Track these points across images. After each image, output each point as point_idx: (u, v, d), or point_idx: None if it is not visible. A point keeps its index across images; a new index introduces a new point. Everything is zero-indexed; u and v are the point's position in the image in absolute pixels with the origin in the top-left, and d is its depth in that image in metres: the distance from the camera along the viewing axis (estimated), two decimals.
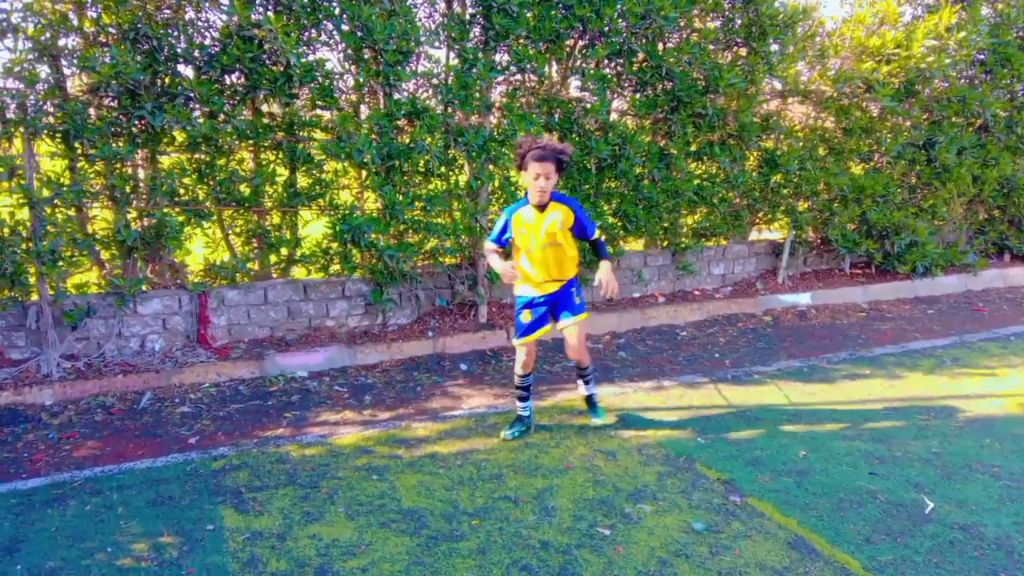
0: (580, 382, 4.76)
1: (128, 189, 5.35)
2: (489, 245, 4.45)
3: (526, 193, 4.29)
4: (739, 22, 7.18)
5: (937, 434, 4.63)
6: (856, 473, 4.09)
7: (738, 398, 5.23)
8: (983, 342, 6.71)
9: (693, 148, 7.33)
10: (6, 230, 4.96)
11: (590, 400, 4.77)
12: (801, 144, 7.87)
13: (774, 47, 7.28)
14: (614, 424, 4.74)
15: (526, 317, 4.43)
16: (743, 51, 7.35)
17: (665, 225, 7.45)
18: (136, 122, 5.25)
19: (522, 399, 4.61)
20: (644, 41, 6.73)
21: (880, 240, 8.43)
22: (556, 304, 4.44)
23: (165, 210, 5.41)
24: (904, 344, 6.61)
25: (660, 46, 6.93)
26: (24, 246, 5.02)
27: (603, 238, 4.43)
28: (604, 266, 4.32)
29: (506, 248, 4.44)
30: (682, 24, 7.06)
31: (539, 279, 4.37)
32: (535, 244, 4.28)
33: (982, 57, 8.53)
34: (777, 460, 4.24)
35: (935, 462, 4.23)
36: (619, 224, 7.10)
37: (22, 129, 4.89)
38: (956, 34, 7.68)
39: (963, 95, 8.16)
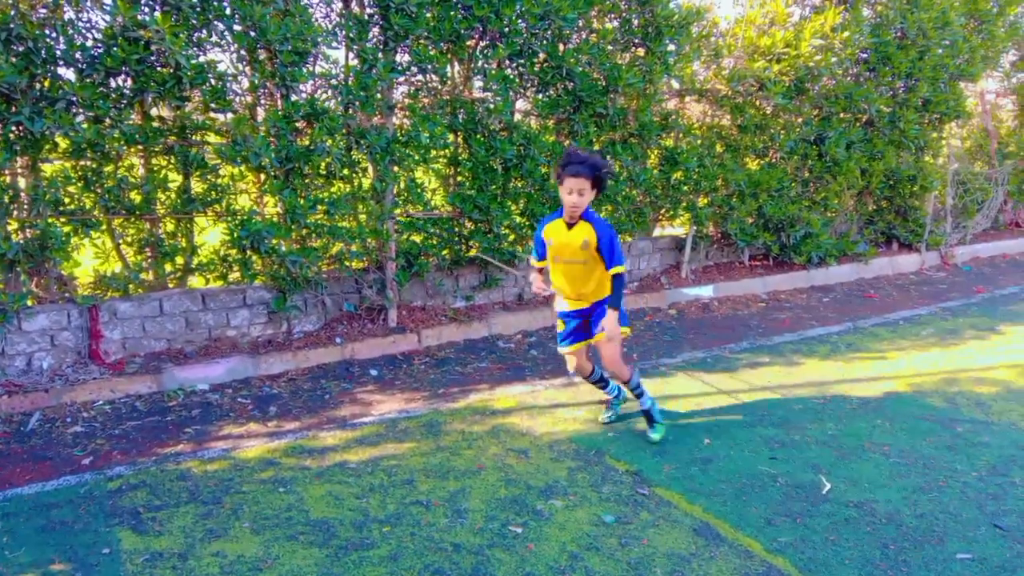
0: (634, 397, 4.66)
1: (7, 199, 5.03)
2: (532, 262, 4.49)
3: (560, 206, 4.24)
4: (636, 23, 7.32)
5: (833, 417, 4.83)
6: (758, 458, 4.22)
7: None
8: (874, 327, 7.05)
9: (596, 147, 7.43)
10: None
11: (646, 416, 4.59)
12: (699, 142, 8.09)
13: (671, 47, 7.45)
14: (526, 422, 4.75)
15: (560, 326, 4.53)
16: (641, 51, 7.50)
17: None
18: (13, 128, 4.95)
19: (603, 388, 4.77)
20: (545, 42, 6.78)
21: (776, 233, 8.74)
22: (590, 318, 4.43)
23: (49, 220, 5.12)
24: (801, 332, 6.88)
25: (561, 47, 6.99)
26: None
27: (624, 275, 4.26)
28: (608, 316, 4.23)
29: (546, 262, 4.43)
30: (581, 25, 7.14)
31: (569, 294, 4.42)
32: (560, 260, 4.30)
33: (865, 56, 8.95)
34: (682, 449, 4.34)
35: (831, 444, 4.42)
36: (527, 224, 7.13)
37: None
38: (841, 34, 8.05)
39: (849, 92, 8.55)
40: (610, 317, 4.23)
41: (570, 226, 4.16)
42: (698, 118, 8.40)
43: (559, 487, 3.90)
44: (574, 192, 4.00)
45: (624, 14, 7.29)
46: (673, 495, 3.81)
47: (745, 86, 7.91)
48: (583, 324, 4.45)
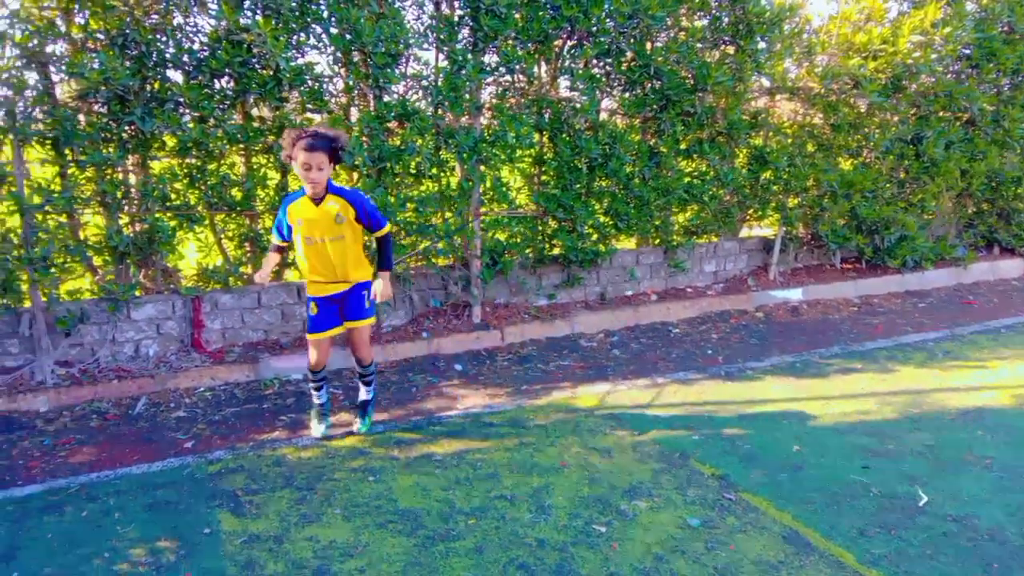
0: (361, 385, 4.65)
1: (119, 195, 5.34)
2: (273, 242, 4.30)
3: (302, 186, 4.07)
4: (726, 20, 7.20)
5: (930, 427, 4.67)
6: (850, 467, 4.12)
7: (731, 394, 5.26)
8: (974, 335, 6.76)
9: (683, 146, 7.35)
10: None
11: (363, 405, 4.66)
12: (790, 141, 7.90)
13: (761, 45, 7.31)
14: (609, 422, 4.76)
15: (313, 309, 4.28)
16: (731, 49, 7.37)
17: (656, 223, 7.46)
18: (126, 127, 5.24)
19: (316, 389, 4.55)
20: (632, 40, 6.75)
21: (870, 235, 8.47)
22: (343, 305, 4.31)
23: (157, 215, 5.41)
24: (895, 338, 6.65)
25: (648, 45, 6.95)
26: (16, 253, 5.01)
27: (391, 235, 4.23)
28: (380, 278, 4.19)
29: (291, 243, 4.25)
30: (669, 23, 7.08)
31: (326, 277, 4.23)
32: (314, 240, 4.11)
33: (968, 52, 8.57)
34: (771, 455, 4.26)
35: (928, 455, 4.27)
36: (611, 223, 7.11)
37: (11, 136, 4.88)
38: (942, 29, 7.73)
39: (950, 90, 8.20)
40: (386, 281, 4.19)
41: (317, 202, 4.02)
42: (789, 116, 8.20)
43: (643, 488, 3.89)
44: (313, 168, 3.86)
45: (714, 11, 7.18)
46: (761, 501, 3.76)
47: (839, 84, 7.68)
48: (338, 310, 4.32)
